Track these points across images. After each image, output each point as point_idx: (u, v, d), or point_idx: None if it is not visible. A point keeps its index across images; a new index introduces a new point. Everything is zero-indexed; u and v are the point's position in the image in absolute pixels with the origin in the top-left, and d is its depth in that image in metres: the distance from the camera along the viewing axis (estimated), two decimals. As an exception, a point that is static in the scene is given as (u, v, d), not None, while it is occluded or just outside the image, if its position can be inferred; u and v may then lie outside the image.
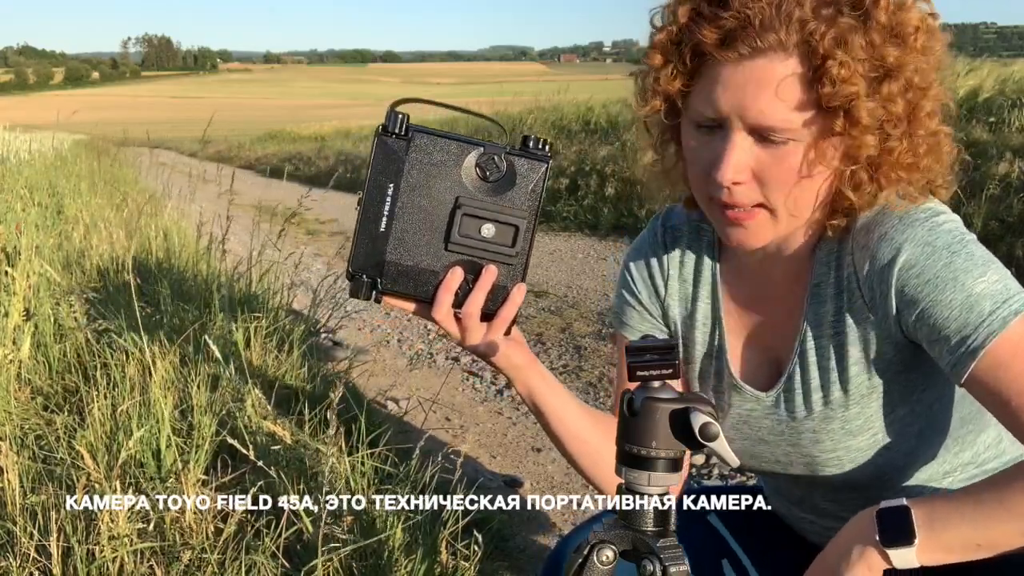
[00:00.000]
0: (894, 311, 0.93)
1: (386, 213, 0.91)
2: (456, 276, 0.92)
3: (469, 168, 0.91)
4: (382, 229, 0.91)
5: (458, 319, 0.94)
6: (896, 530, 0.85)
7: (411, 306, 0.95)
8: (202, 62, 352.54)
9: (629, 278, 1.17)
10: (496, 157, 0.91)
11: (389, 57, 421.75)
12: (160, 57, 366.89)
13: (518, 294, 0.94)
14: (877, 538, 0.85)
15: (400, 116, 0.90)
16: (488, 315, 0.94)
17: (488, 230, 0.91)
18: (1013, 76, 7.69)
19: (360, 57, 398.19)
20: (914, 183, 0.93)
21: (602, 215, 7.58)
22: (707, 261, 1.12)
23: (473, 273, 0.92)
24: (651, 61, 0.95)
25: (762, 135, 0.89)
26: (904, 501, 0.86)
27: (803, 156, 0.89)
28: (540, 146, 0.92)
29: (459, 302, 0.93)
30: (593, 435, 1.06)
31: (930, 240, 0.90)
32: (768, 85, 0.86)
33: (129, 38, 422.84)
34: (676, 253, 1.13)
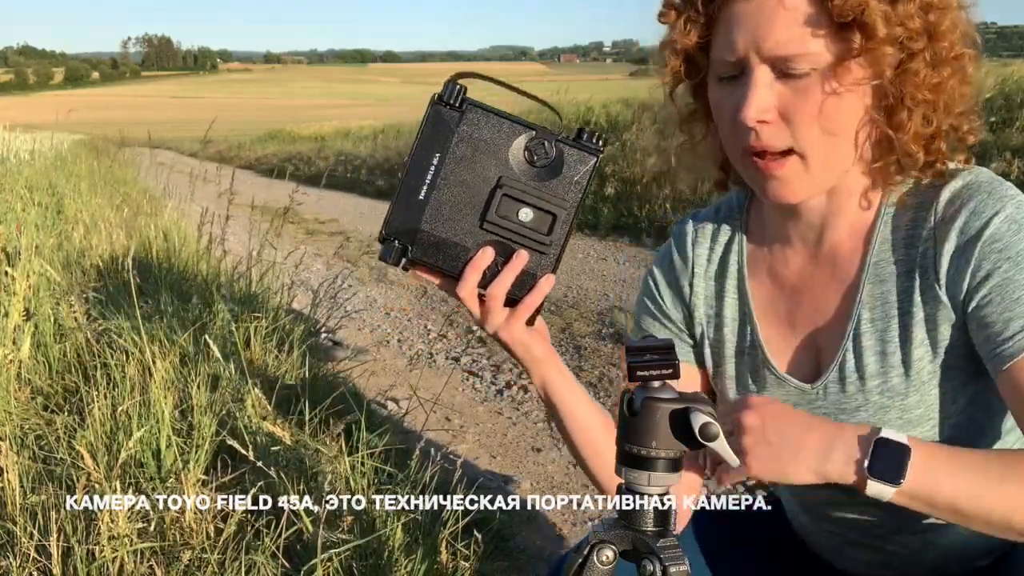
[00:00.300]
0: (965, 287, 0.90)
1: (428, 182, 0.90)
2: (486, 256, 0.90)
3: (517, 150, 0.90)
4: (421, 197, 0.90)
5: (482, 300, 0.92)
6: (888, 466, 0.81)
7: (437, 279, 0.94)
8: (202, 62, 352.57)
9: (652, 284, 1.14)
10: (546, 142, 0.89)
11: (389, 57, 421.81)
12: (160, 57, 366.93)
13: (546, 284, 0.92)
14: (866, 463, 0.81)
15: (457, 87, 0.89)
16: (513, 301, 0.93)
17: (526, 214, 0.90)
18: (1013, 76, 7.70)
19: (360, 57, 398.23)
20: (940, 108, 0.90)
21: (602, 215, 7.58)
22: (733, 255, 1.09)
23: (504, 256, 0.91)
24: (666, 19, 0.95)
25: (783, 70, 0.87)
26: (906, 439, 0.82)
27: (826, 84, 0.87)
28: (594, 140, 0.90)
29: (485, 283, 0.91)
30: (603, 434, 1.04)
31: (1018, 218, 0.89)
32: (779, 12, 0.86)
33: (129, 38, 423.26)
34: (703, 251, 1.11)
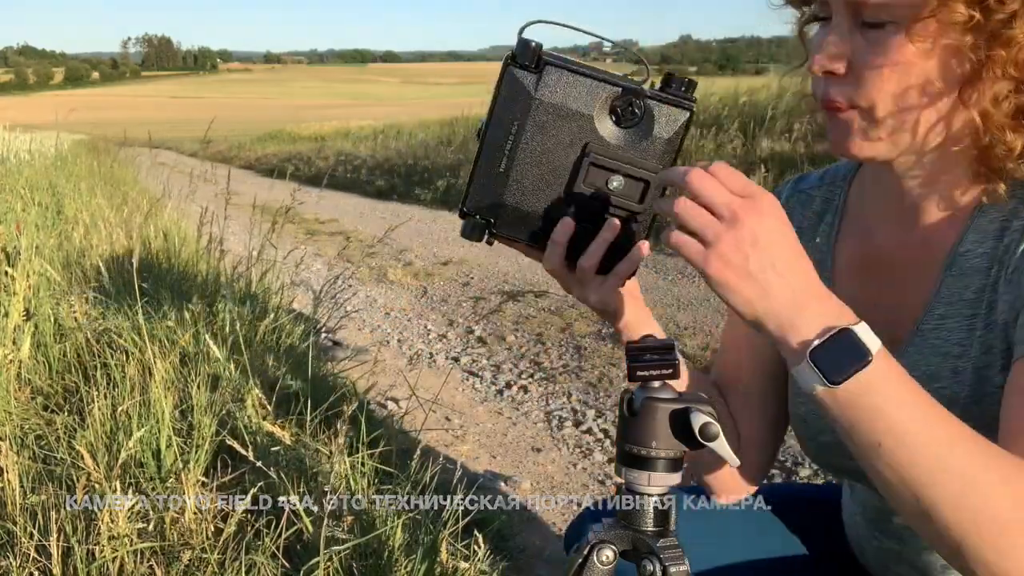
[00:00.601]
0: None
1: (507, 153, 0.84)
2: (574, 227, 0.85)
3: (603, 111, 0.83)
4: (501, 169, 0.84)
5: (571, 269, 0.88)
6: (833, 360, 0.70)
7: (522, 250, 0.90)
8: (202, 62, 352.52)
9: None
10: (634, 101, 0.82)
11: (389, 57, 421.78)
12: (160, 57, 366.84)
13: (639, 252, 0.87)
14: (814, 343, 0.70)
15: (532, 44, 0.81)
16: (604, 269, 0.88)
17: (616, 182, 0.83)
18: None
19: (360, 57, 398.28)
20: None
21: (602, 215, 7.56)
22: (824, 225, 1.02)
23: (593, 225, 0.85)
24: None
25: (862, 18, 0.80)
26: (877, 348, 0.70)
27: (902, 40, 0.78)
28: (684, 89, 0.83)
29: (574, 254, 0.86)
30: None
31: None
32: None
33: (129, 38, 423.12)
34: (795, 217, 1.03)
